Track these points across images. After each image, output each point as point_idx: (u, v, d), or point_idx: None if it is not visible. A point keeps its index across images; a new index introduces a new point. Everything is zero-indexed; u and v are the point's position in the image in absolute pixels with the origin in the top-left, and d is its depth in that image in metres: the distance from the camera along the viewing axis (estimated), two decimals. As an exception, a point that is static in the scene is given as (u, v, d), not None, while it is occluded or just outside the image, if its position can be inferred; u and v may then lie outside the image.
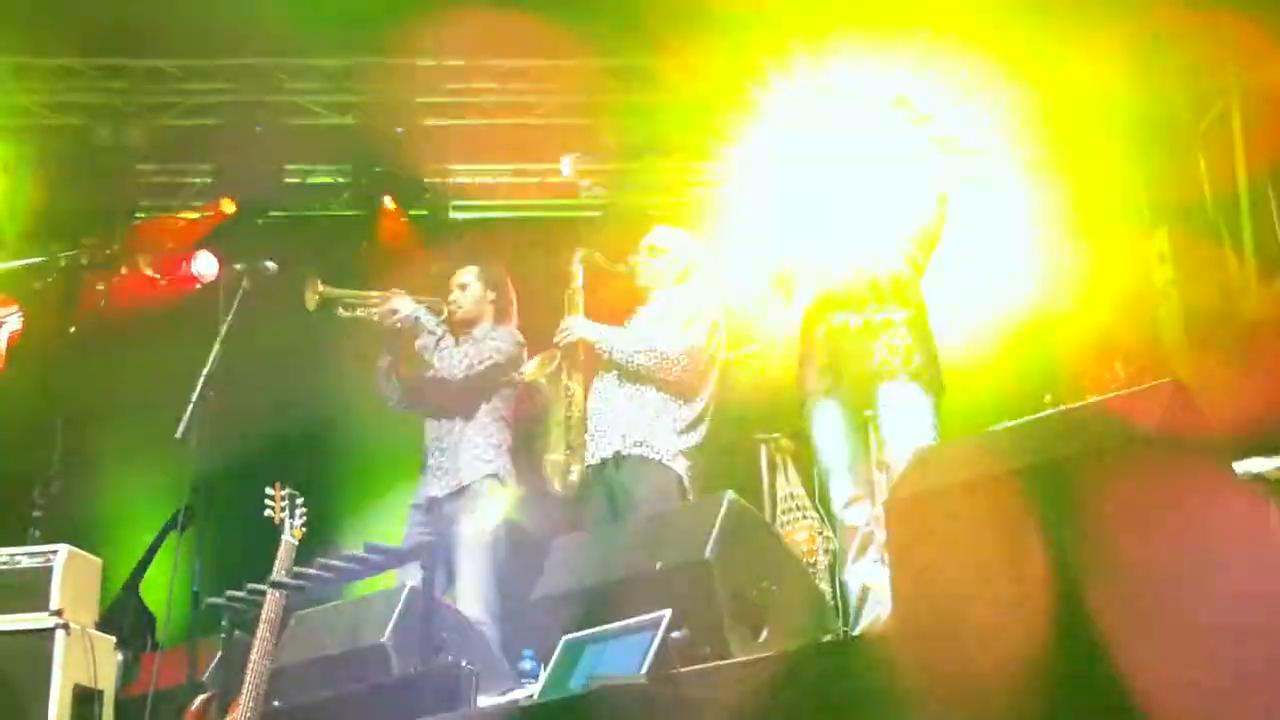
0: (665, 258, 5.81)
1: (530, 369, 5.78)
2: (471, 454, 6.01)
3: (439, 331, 6.11)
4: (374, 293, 6.21)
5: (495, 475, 5.99)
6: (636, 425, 5.48)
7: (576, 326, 5.68)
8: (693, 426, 5.54)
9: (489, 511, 5.94)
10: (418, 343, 6.09)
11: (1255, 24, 6.14)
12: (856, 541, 4.49)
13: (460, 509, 5.92)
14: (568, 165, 5.65)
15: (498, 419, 6.12)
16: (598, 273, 5.90)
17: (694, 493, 5.38)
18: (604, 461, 5.50)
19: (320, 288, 6.12)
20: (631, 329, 5.67)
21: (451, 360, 6.04)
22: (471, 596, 5.62)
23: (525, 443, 6.12)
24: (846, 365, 4.63)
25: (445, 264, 6.63)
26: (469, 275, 6.33)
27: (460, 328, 6.25)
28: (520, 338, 6.18)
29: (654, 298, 5.78)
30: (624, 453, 5.46)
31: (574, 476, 5.54)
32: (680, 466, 5.44)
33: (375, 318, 6.13)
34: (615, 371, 5.61)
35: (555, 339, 5.72)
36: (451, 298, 6.27)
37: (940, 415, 4.59)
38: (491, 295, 6.29)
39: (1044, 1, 6.56)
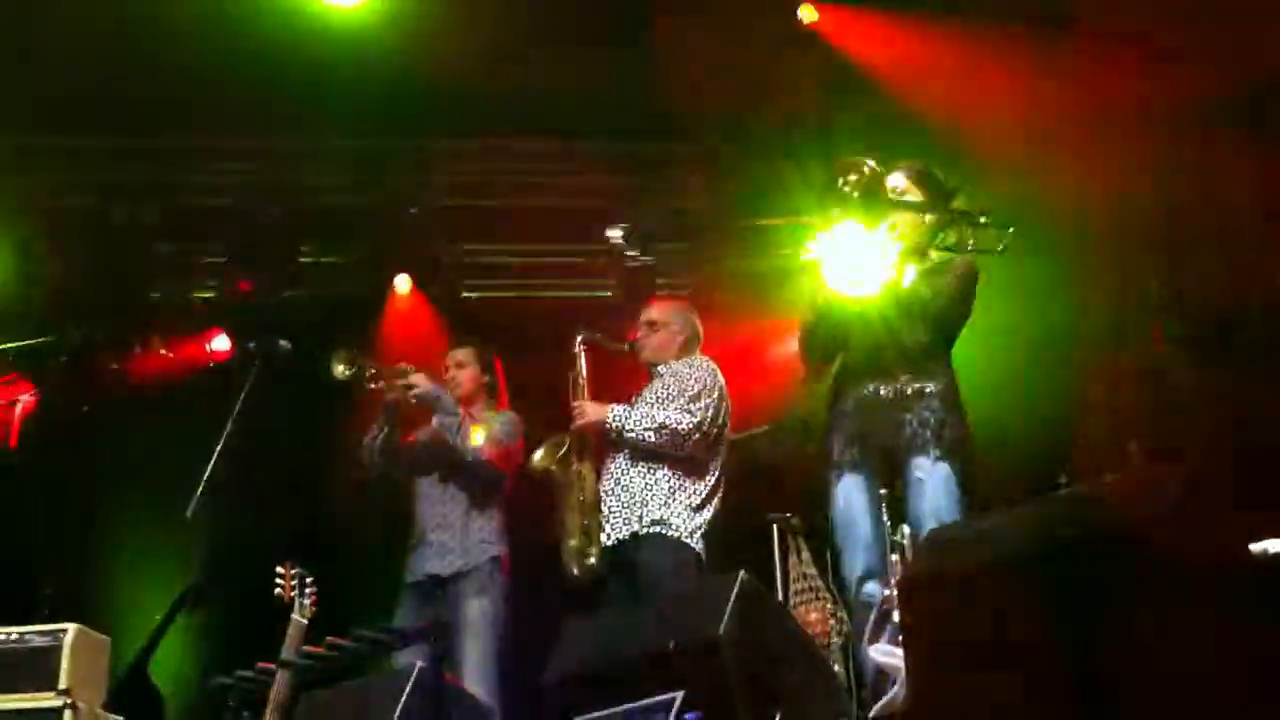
0: (665, 332, 5.82)
1: (539, 457, 5.76)
2: (478, 535, 6.03)
3: (459, 413, 6.13)
4: (399, 367, 6.23)
5: (498, 558, 6.00)
6: (651, 505, 5.46)
7: (584, 410, 5.68)
8: (706, 501, 5.52)
9: (495, 593, 5.93)
10: (438, 420, 6.09)
11: (1270, 128, 6.26)
12: (872, 621, 4.43)
13: (465, 590, 5.92)
14: (617, 234, 5.65)
15: (500, 500, 6.14)
16: (601, 353, 5.91)
17: (711, 571, 5.35)
18: (621, 542, 5.47)
19: (357, 358, 6.13)
20: (639, 407, 5.66)
21: (475, 440, 6.05)
22: (476, 678, 5.58)
23: (524, 525, 6.13)
24: (875, 436, 4.57)
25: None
26: (465, 355, 6.39)
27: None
28: (519, 420, 6.21)
29: (658, 373, 5.78)
30: (641, 532, 5.43)
31: (592, 560, 5.51)
32: (698, 544, 5.42)
33: (391, 393, 6.14)
34: (626, 451, 5.60)
35: (572, 427, 5.70)
36: (448, 376, 6.30)
37: (968, 492, 4.51)
38: (486, 377, 6.34)
39: (1061, 104, 6.64)
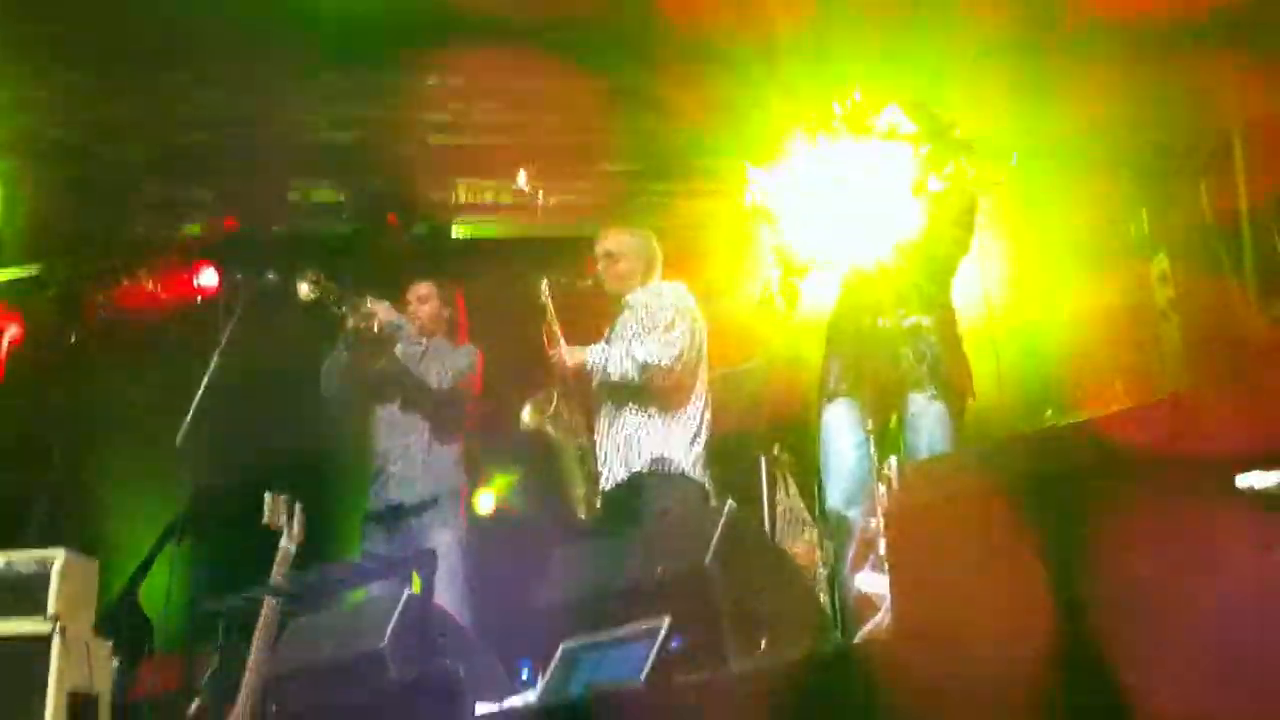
0: (625, 261, 5.77)
1: (528, 415, 5.77)
2: (441, 466, 6.09)
3: (423, 342, 6.16)
4: (363, 296, 6.26)
5: (458, 490, 6.05)
6: (648, 443, 5.44)
7: (562, 357, 5.66)
8: (700, 428, 5.51)
9: (460, 523, 5.99)
10: (400, 349, 6.12)
11: (1257, 54, 6.20)
12: (854, 547, 4.45)
13: (430, 521, 5.96)
14: (523, 178, 5.65)
15: (460, 433, 6.19)
16: (570, 295, 5.88)
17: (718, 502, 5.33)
18: (620, 484, 5.46)
19: (322, 280, 6.15)
20: (616, 345, 5.62)
21: (438, 369, 6.07)
22: (450, 608, 5.59)
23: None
24: (871, 367, 4.57)
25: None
26: (427, 289, 6.42)
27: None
28: (478, 352, 6.24)
29: (627, 304, 5.73)
30: (643, 470, 5.42)
31: (598, 504, 5.56)
32: (702, 476, 5.42)
33: (354, 319, 6.16)
34: (612, 393, 5.57)
35: (555, 376, 5.71)
36: (410, 310, 6.32)
37: (962, 426, 4.52)
38: (447, 312, 6.36)
39: (1048, 35, 6.60)
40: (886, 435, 4.55)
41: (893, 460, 4.22)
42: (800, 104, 5.24)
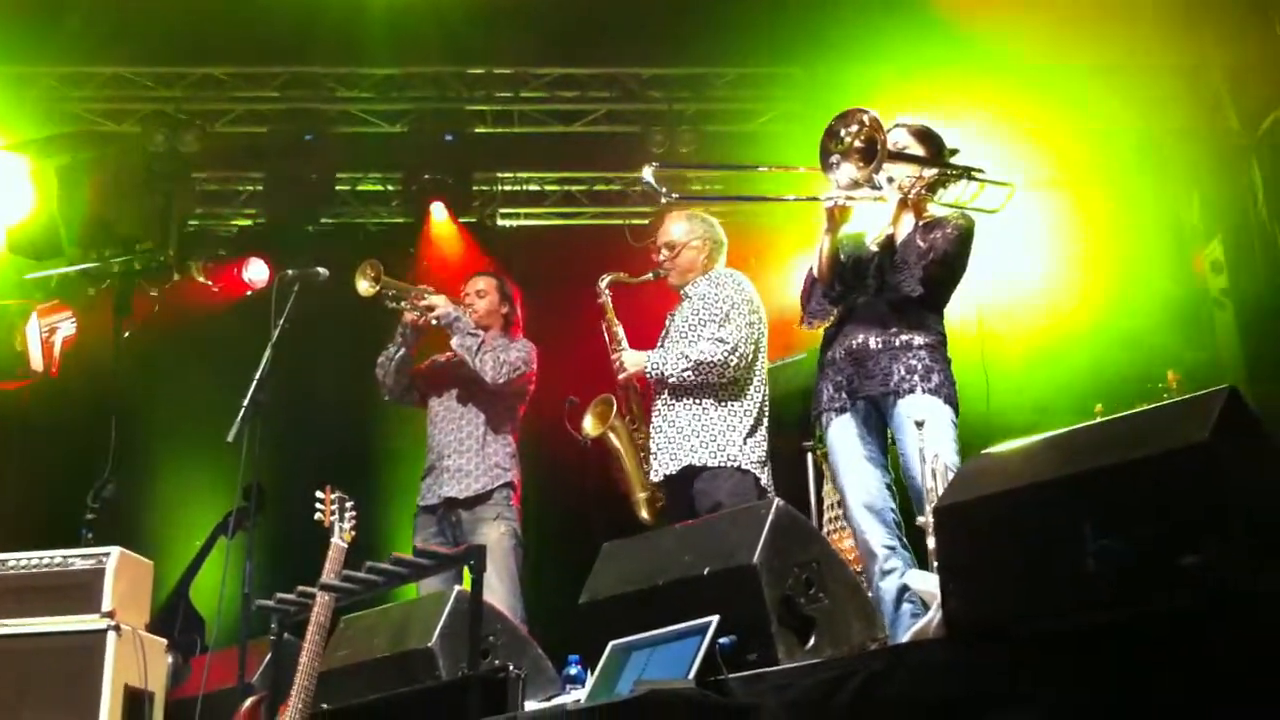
0: (687, 250, 5.66)
1: (590, 425, 5.74)
2: (494, 460, 6.07)
3: (480, 334, 6.16)
4: (420, 287, 6.28)
5: (511, 484, 6.05)
6: (704, 436, 5.38)
7: (624, 360, 5.63)
8: (756, 423, 5.44)
9: (511, 517, 5.99)
10: (457, 341, 6.12)
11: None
12: (879, 562, 4.48)
13: (480, 515, 5.97)
14: (649, 173, 5.44)
15: (514, 427, 6.19)
16: (630, 289, 5.83)
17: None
18: (669, 478, 5.42)
19: (381, 275, 6.17)
20: (673, 347, 5.56)
21: (495, 363, 6.06)
22: (499, 602, 5.59)
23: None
24: (864, 385, 4.59)
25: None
26: (486, 283, 6.40)
27: None
28: (533, 347, 6.25)
29: (686, 295, 5.63)
30: (697, 464, 5.37)
31: (661, 504, 5.56)
32: (755, 469, 5.37)
33: (411, 313, 6.18)
34: (668, 391, 5.52)
35: (619, 380, 5.70)
36: (467, 303, 6.31)
37: (959, 435, 4.52)
38: (504, 309, 6.35)
39: (1096, 21, 6.54)
40: (888, 449, 4.59)
41: (940, 457, 4.19)
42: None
